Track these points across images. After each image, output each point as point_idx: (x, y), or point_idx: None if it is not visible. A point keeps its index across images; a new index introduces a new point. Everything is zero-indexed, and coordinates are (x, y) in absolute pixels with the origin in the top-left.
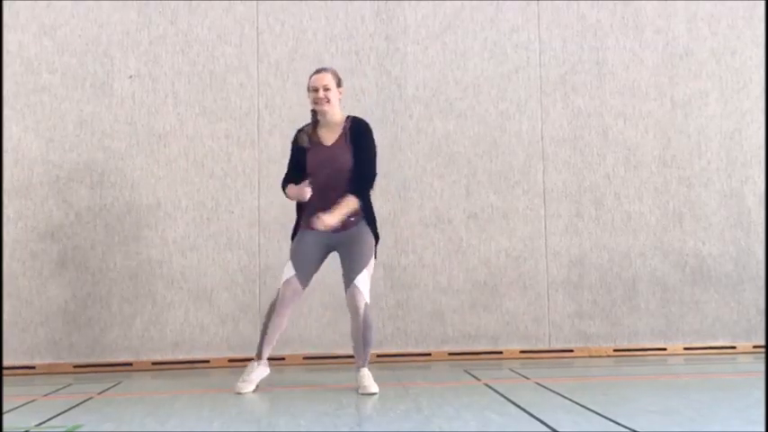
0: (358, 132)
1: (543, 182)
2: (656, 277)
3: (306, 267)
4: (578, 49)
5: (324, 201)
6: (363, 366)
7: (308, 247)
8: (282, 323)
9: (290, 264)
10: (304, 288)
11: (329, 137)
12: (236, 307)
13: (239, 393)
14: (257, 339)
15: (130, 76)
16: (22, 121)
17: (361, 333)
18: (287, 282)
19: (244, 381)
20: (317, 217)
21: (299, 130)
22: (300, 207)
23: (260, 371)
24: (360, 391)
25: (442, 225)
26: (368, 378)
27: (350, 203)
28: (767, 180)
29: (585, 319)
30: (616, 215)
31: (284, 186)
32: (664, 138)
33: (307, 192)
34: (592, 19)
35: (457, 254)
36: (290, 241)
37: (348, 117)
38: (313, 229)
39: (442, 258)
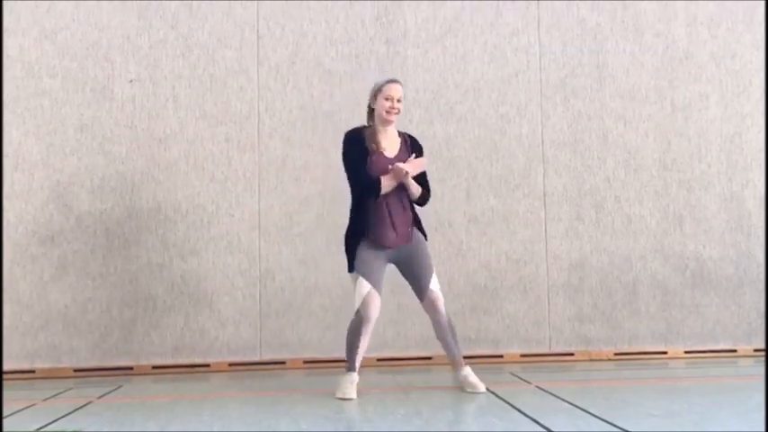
0: (420, 150)
1: (543, 185)
2: (657, 280)
3: (378, 279)
4: (578, 53)
5: (390, 213)
6: (465, 365)
7: (374, 259)
8: (369, 338)
9: (362, 280)
10: (381, 297)
11: (389, 148)
12: (237, 311)
13: (350, 398)
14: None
15: (131, 80)
16: (22, 125)
17: (449, 331)
18: (367, 299)
19: (348, 389)
20: (397, 167)
21: (359, 132)
22: (366, 220)
23: (356, 379)
24: (468, 390)
25: (443, 228)
26: (473, 375)
27: (418, 188)
28: (767, 183)
29: (586, 323)
30: (616, 218)
31: (369, 187)
32: (664, 141)
33: (402, 169)
34: (592, 22)
35: (457, 257)
36: (290, 245)
37: (400, 131)
38: (383, 246)
39: (443, 262)
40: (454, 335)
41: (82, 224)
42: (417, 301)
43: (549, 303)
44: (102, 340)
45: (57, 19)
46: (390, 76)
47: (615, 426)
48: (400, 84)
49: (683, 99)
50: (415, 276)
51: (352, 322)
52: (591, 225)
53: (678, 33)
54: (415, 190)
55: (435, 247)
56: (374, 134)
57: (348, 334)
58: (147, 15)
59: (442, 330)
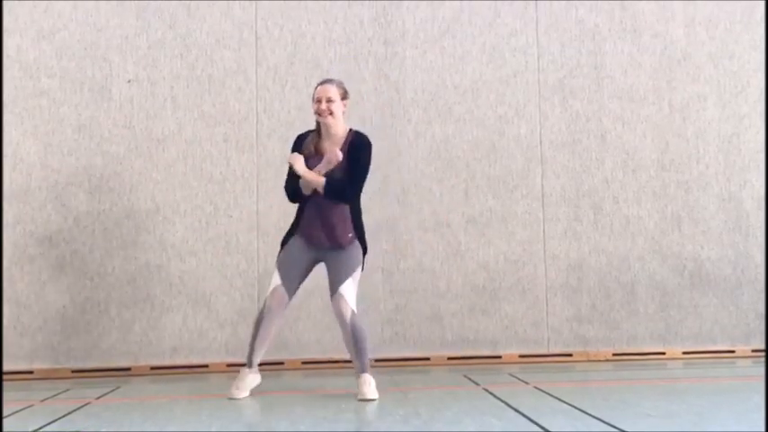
0: (357, 146)
1: (542, 186)
2: (655, 281)
3: (292, 277)
4: (576, 53)
5: (321, 212)
6: (363, 372)
7: (296, 256)
8: (270, 332)
9: (276, 274)
10: (290, 297)
11: (329, 149)
12: (235, 312)
13: (232, 399)
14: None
15: (129, 81)
16: (20, 125)
17: (352, 342)
18: (273, 291)
19: (237, 388)
20: (331, 152)
21: (301, 137)
22: (300, 218)
23: (251, 378)
24: (358, 397)
25: (441, 229)
26: (367, 384)
27: (320, 180)
28: (767, 184)
29: (584, 324)
30: (615, 219)
31: (289, 191)
32: (662, 142)
33: (298, 159)
34: (590, 23)
35: (456, 258)
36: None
37: (350, 130)
38: (310, 244)
39: (441, 262)
40: (357, 348)
41: (80, 224)
42: (415, 302)
43: (547, 304)
44: (101, 341)
45: (55, 19)
46: (325, 77)
47: (614, 426)
48: (330, 83)
49: (681, 100)
50: (332, 275)
51: (258, 313)
52: (589, 226)
53: (676, 34)
54: (315, 183)
55: (434, 247)
56: (313, 138)
57: (253, 325)
58: (146, 16)
59: (345, 335)
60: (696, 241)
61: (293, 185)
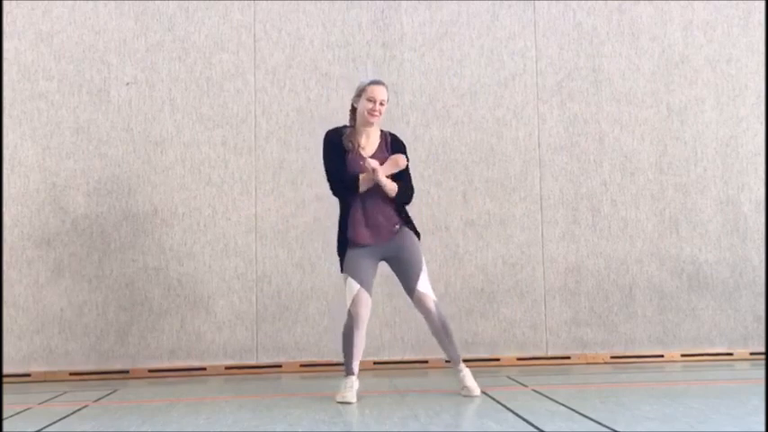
0: (401, 146)
1: (540, 189)
2: (653, 284)
3: (367, 278)
4: (575, 57)
5: (369, 210)
6: (459, 363)
7: (363, 260)
8: (362, 338)
9: (350, 280)
10: (371, 296)
11: (367, 147)
12: (233, 314)
13: (349, 402)
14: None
15: (127, 83)
16: (18, 128)
17: (442, 331)
18: (355, 298)
19: (345, 396)
20: (367, 163)
21: (338, 132)
22: (345, 222)
23: (356, 384)
24: (463, 393)
25: (440, 232)
26: (470, 377)
27: (393, 186)
28: (766, 187)
29: (582, 326)
30: (612, 222)
31: (346, 185)
32: (660, 145)
33: (371, 163)
34: (588, 26)
35: (454, 261)
36: (287, 248)
37: (382, 130)
38: (361, 244)
39: (439, 265)
40: (448, 335)
41: (78, 227)
42: (413, 304)
43: (545, 307)
44: (98, 343)
45: (53, 22)
46: (375, 77)
47: (611, 429)
48: (384, 86)
49: (678, 103)
50: (403, 275)
51: (345, 324)
52: (587, 228)
53: (674, 37)
54: (390, 188)
55: (432, 250)
56: (353, 133)
57: (342, 336)
58: (144, 18)
59: (434, 329)
60: (694, 244)
61: (350, 182)
